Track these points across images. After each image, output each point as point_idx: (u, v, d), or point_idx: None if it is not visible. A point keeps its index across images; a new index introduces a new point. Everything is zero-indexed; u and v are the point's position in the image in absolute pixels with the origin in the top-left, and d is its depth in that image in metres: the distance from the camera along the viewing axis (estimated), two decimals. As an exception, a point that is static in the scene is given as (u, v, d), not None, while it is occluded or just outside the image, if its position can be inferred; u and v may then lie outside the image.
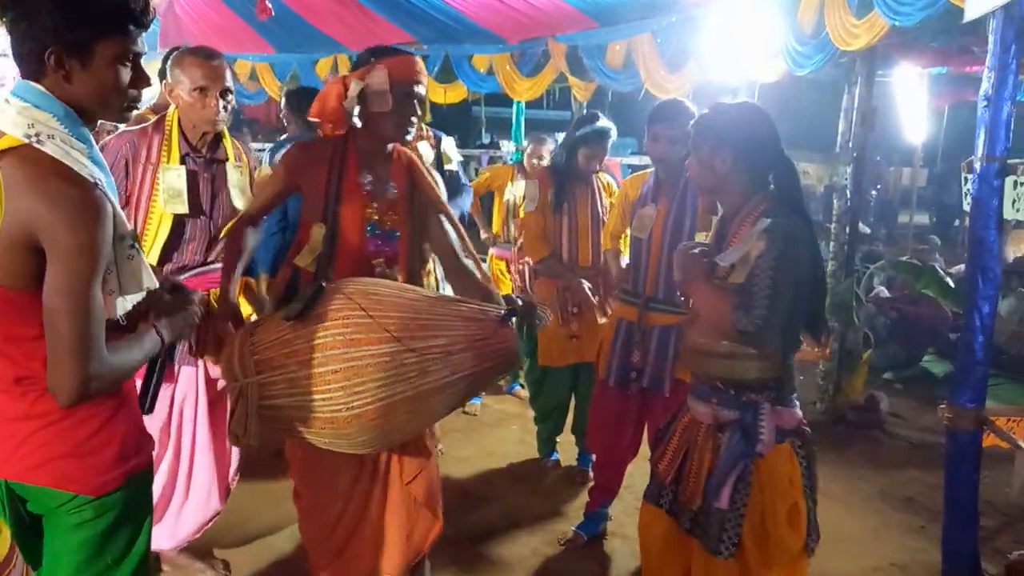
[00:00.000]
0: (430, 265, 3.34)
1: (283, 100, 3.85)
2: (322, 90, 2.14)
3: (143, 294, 1.44)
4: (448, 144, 3.77)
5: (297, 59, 6.73)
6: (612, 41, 5.14)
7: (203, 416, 2.52)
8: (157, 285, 1.50)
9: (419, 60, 2.15)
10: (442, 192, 2.38)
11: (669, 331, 2.82)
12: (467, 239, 2.27)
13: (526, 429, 4.15)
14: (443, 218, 2.24)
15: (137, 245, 1.41)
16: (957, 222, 12.38)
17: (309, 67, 6.68)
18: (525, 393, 4.37)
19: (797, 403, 2.00)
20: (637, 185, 3.05)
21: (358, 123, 2.08)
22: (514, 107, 6.93)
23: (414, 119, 2.11)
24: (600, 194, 3.54)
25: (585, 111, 6.57)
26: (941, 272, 4.85)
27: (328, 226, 2.13)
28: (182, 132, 2.46)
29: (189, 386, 2.50)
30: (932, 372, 5.80)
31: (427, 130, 3.62)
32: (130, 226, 1.42)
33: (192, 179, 2.43)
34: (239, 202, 2.51)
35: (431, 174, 2.31)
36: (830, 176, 4.63)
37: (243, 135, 6.22)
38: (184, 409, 2.51)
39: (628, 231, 3.11)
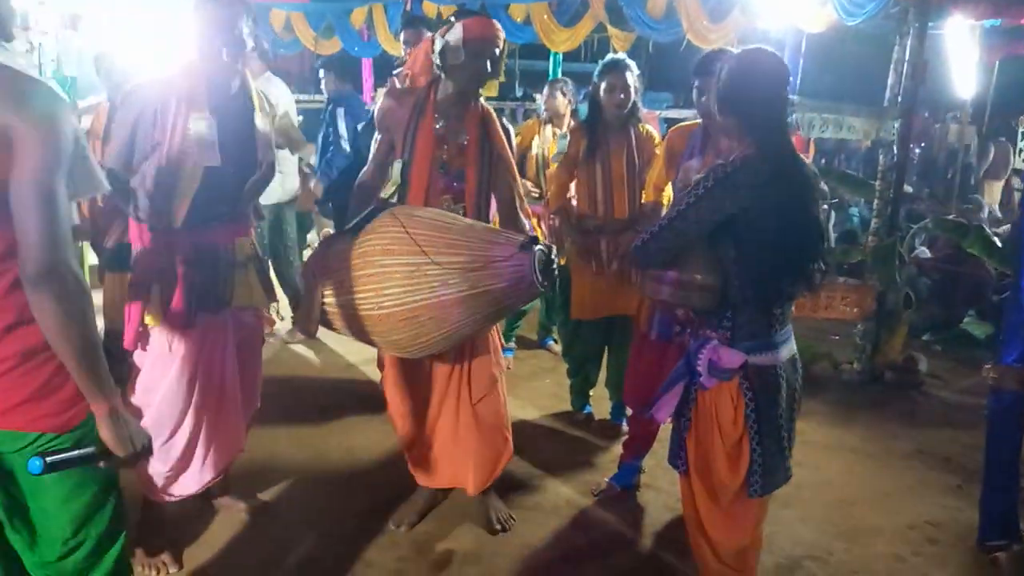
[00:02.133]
0: None
1: (321, 72, 3.99)
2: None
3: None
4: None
5: (331, 8, 6.66)
6: (654, -11, 5.01)
7: (231, 359, 2.50)
8: (110, 189, 1.64)
9: (494, 22, 2.48)
10: (512, 149, 2.67)
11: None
12: (522, 196, 2.64)
13: (559, 383, 4.17)
14: (507, 172, 2.56)
15: (87, 146, 1.48)
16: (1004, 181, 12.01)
17: (344, 17, 6.61)
18: (558, 348, 4.38)
19: (771, 350, 2.00)
20: (684, 136, 2.98)
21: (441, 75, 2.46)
22: (551, 59, 6.81)
23: (484, 72, 2.43)
24: (638, 144, 3.46)
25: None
26: (988, 231, 4.73)
27: (404, 162, 2.49)
28: (208, 81, 2.35)
29: (214, 331, 2.44)
30: (972, 334, 5.70)
31: None
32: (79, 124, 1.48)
33: (220, 129, 2.35)
34: (263, 152, 2.48)
35: (506, 132, 2.63)
36: (877, 131, 4.47)
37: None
38: (212, 353, 2.45)
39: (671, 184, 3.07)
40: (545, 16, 5.83)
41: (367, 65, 7.19)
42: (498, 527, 2.81)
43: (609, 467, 3.33)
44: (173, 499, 2.50)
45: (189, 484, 2.49)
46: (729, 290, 1.96)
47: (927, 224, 5.54)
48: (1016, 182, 12.83)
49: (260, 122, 2.47)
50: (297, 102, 7.11)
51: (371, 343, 2.44)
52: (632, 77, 3.32)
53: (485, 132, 2.55)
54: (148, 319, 2.33)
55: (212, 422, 2.47)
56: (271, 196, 4.49)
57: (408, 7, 6.20)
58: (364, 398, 4.02)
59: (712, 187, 1.89)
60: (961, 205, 9.03)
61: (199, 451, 2.47)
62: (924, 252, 6.34)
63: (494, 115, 2.61)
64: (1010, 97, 11.88)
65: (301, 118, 4.90)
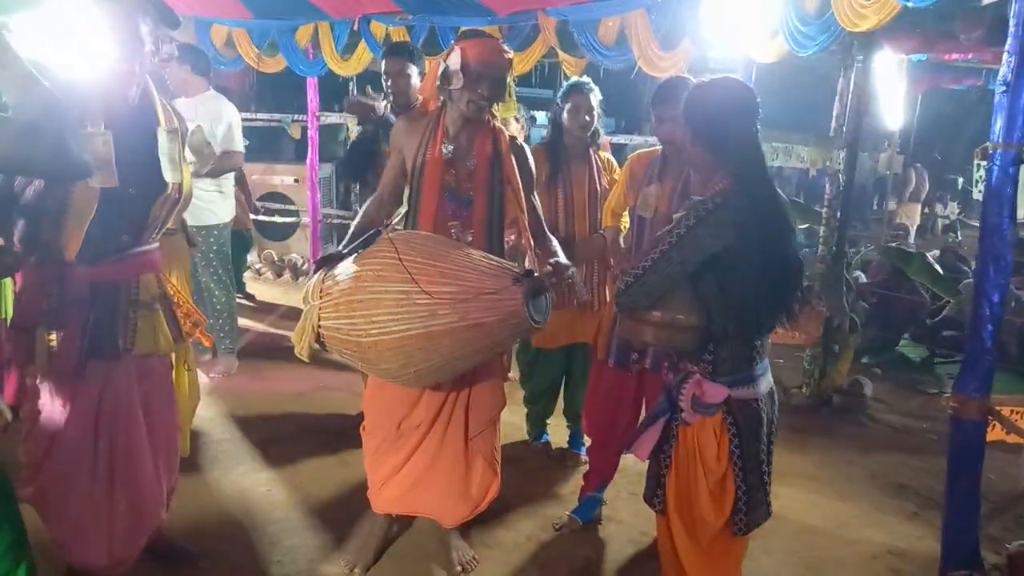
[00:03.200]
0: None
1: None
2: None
3: None
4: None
5: (276, 25, 6.47)
6: (605, 16, 5.00)
7: (135, 416, 2.18)
8: None
9: (496, 44, 2.43)
10: (530, 171, 2.56)
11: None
12: (541, 219, 2.56)
13: (512, 411, 4.07)
14: (521, 196, 2.46)
15: None
16: (927, 209, 12.57)
17: (289, 34, 6.44)
18: (512, 375, 4.29)
19: (751, 382, 1.97)
20: (644, 162, 2.96)
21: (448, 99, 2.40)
22: (499, 82, 6.78)
23: (484, 96, 2.34)
24: (599, 171, 3.44)
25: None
26: (931, 259, 4.86)
27: (412, 187, 2.44)
28: (104, 91, 2.07)
29: (113, 384, 2.14)
30: (908, 357, 5.89)
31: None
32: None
33: (119, 147, 2.04)
34: (169, 173, 2.16)
35: (521, 153, 2.51)
36: (824, 160, 4.57)
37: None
38: (113, 409, 2.13)
39: (629, 209, 3.04)
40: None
41: (311, 84, 7.04)
42: (459, 568, 2.69)
43: (569, 498, 3.25)
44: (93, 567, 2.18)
45: (96, 556, 2.15)
46: (711, 325, 1.92)
47: (871, 250, 5.68)
48: (940, 208, 13.47)
49: (165, 137, 2.17)
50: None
51: (364, 369, 2.36)
52: (596, 100, 3.29)
53: (495, 156, 2.47)
54: (32, 370, 2.04)
55: (117, 491, 2.13)
56: (209, 218, 4.34)
57: (356, 27, 6.09)
58: (311, 428, 3.85)
59: (694, 226, 1.85)
60: (890, 231, 9.38)
61: (102, 523, 2.13)
62: (860, 277, 6.52)
63: (505, 137, 2.52)
64: (932, 127, 12.49)
65: (248, 142, 4.70)
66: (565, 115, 3.29)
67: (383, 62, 3.50)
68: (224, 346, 4.61)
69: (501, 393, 2.59)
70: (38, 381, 2.06)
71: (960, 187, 14.13)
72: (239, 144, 4.40)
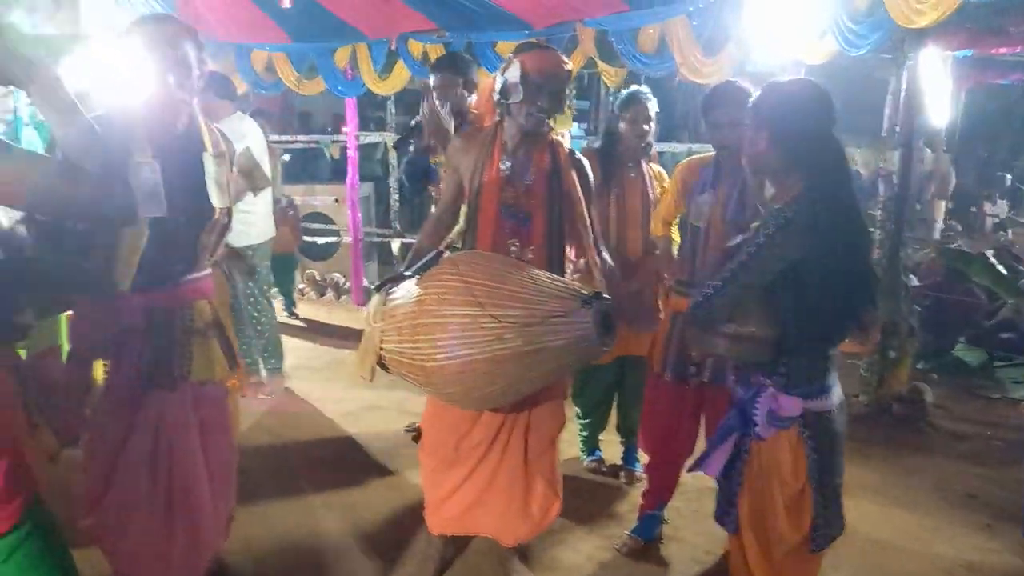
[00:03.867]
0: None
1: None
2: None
3: None
4: None
5: (314, 48, 6.55)
6: (645, 24, 4.96)
7: (194, 444, 2.16)
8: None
9: (555, 56, 2.34)
10: (590, 185, 2.50)
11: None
12: (598, 235, 2.48)
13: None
14: (574, 211, 2.39)
15: None
16: (974, 208, 12.22)
17: (327, 56, 6.51)
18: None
19: (825, 394, 1.91)
20: (695, 169, 2.90)
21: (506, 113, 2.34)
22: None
23: (544, 109, 2.27)
24: (651, 180, 3.39)
25: (611, 99, 6.44)
26: (993, 260, 4.70)
27: (470, 205, 2.38)
28: (151, 120, 2.05)
29: (171, 412, 2.11)
30: (965, 361, 5.68)
31: None
32: None
33: (167, 175, 2.03)
34: (216, 198, 2.15)
35: (580, 166, 2.44)
36: (877, 161, 4.45)
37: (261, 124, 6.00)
38: (171, 438, 2.10)
39: (679, 218, 2.98)
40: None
41: (350, 104, 7.10)
42: (518, 591, 2.63)
43: (628, 517, 3.18)
44: None
45: None
46: (785, 335, 1.85)
47: (924, 251, 5.51)
48: (988, 207, 13.08)
49: (212, 163, 2.15)
50: (278, 143, 7.05)
51: (427, 392, 2.33)
52: (653, 109, 3.26)
53: (554, 170, 2.41)
54: (90, 401, 2.04)
55: (176, 519, 2.11)
56: (242, 239, 4.29)
57: (393, 46, 6.13)
58: (361, 449, 3.83)
59: (773, 235, 1.80)
60: (944, 231, 9.11)
61: (162, 552, 2.10)
62: (912, 280, 6.34)
63: (565, 151, 2.45)
64: (976, 124, 12.17)
65: (287, 157, 4.75)
66: (623, 124, 3.25)
67: (432, 77, 3.43)
68: (270, 366, 4.64)
69: (562, 413, 2.53)
70: (96, 412, 2.05)
71: (1009, 184, 13.72)
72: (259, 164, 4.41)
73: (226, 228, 2.24)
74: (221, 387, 2.29)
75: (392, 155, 7.41)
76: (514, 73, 2.28)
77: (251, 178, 3.70)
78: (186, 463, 2.11)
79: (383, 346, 2.21)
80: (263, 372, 4.60)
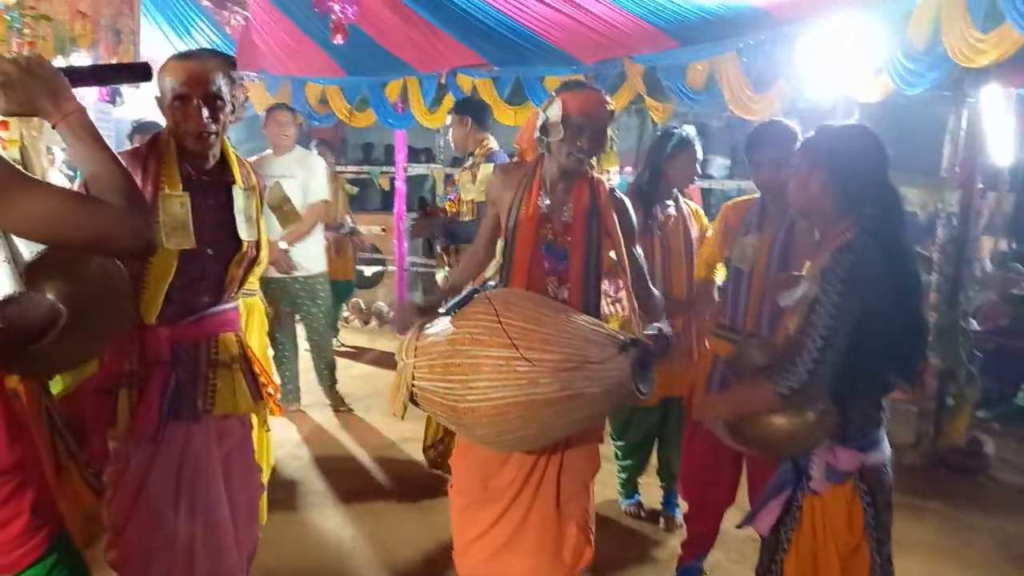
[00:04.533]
0: None
1: None
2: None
3: None
4: None
5: (367, 82, 6.69)
6: (693, 61, 4.93)
7: (215, 479, 2.12)
8: None
9: (598, 96, 2.31)
10: (632, 223, 2.43)
11: (776, 370, 2.59)
12: (644, 272, 2.43)
13: (602, 467, 3.92)
14: (622, 251, 2.36)
15: None
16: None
17: (379, 90, 6.64)
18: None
19: (879, 446, 1.85)
20: (740, 211, 2.83)
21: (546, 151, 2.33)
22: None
23: (585, 149, 2.23)
24: (689, 217, 3.33)
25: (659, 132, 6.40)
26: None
27: (507, 241, 2.36)
28: (182, 152, 2.04)
29: (192, 445, 2.09)
30: (1030, 409, 5.41)
31: None
32: None
33: (197, 208, 2.02)
34: (245, 231, 2.13)
35: (621, 205, 2.40)
36: (934, 202, 4.31)
37: (323, 152, 6.20)
38: (194, 472, 2.08)
39: (724, 261, 2.91)
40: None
41: (400, 136, 7.21)
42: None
43: (666, 564, 3.08)
44: None
45: None
46: (840, 387, 1.77)
47: (984, 292, 5.30)
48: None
49: (241, 196, 2.12)
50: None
51: (459, 432, 2.31)
52: (700, 153, 3.25)
53: (593, 209, 2.35)
54: (113, 432, 2.02)
55: (198, 554, 2.06)
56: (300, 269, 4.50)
57: (443, 80, 6.21)
58: (398, 481, 3.81)
59: (843, 291, 1.71)
60: (1005, 274, 8.76)
61: None
62: (972, 324, 6.09)
63: (605, 188, 2.41)
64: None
65: (356, 188, 4.91)
66: (672, 166, 3.21)
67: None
68: (326, 384, 4.89)
69: (596, 457, 2.46)
70: (119, 444, 2.04)
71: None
72: (325, 194, 4.60)
73: (254, 261, 2.23)
74: (246, 421, 2.27)
75: (440, 187, 7.50)
76: (555, 112, 2.24)
77: (280, 212, 3.77)
78: (208, 497, 2.09)
79: (415, 382, 2.18)
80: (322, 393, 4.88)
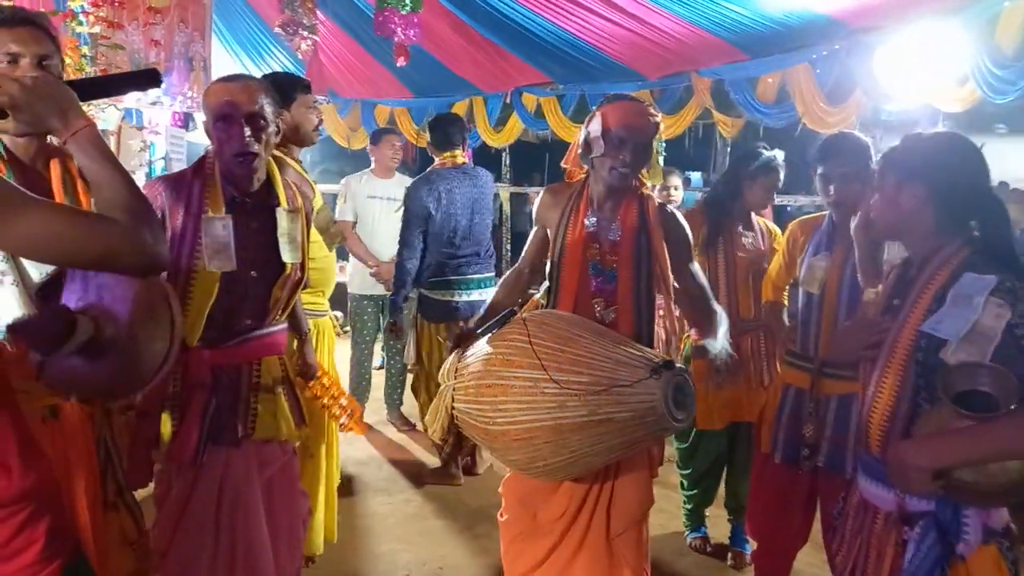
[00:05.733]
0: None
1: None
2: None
3: None
4: None
5: (434, 103, 6.76)
6: (763, 74, 4.77)
7: (255, 505, 2.08)
8: None
9: (640, 107, 2.22)
10: (686, 239, 2.34)
11: (850, 401, 2.41)
12: (704, 287, 2.33)
13: (666, 497, 3.76)
14: (667, 271, 2.25)
15: None
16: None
17: (445, 110, 6.68)
18: (667, 455, 3.98)
19: None
20: (808, 230, 2.67)
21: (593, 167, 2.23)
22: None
23: (628, 163, 2.14)
24: (763, 235, 3.17)
25: (729, 149, 6.21)
26: None
27: (554, 262, 2.29)
28: (226, 175, 2.04)
29: (233, 470, 2.05)
30: None
31: None
32: None
33: (240, 230, 2.02)
34: (288, 254, 2.10)
35: (672, 221, 2.30)
36: (1030, 218, 4.01)
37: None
38: (234, 498, 2.04)
39: (792, 283, 2.75)
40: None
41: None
42: None
43: (733, 606, 2.90)
44: None
45: None
46: None
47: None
48: None
49: (285, 218, 2.09)
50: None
51: (495, 457, 2.27)
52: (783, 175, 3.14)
53: (642, 227, 2.25)
54: (158, 455, 2.00)
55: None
56: (371, 288, 4.63)
57: (508, 99, 6.21)
58: (454, 505, 3.74)
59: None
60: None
61: None
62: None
63: (654, 204, 2.30)
64: None
65: None
66: (752, 188, 3.09)
67: None
68: (396, 403, 4.95)
69: (648, 491, 2.30)
70: (163, 466, 2.04)
71: None
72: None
73: (299, 283, 2.20)
74: (288, 446, 2.23)
75: (507, 206, 7.47)
76: (596, 127, 2.16)
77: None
78: (249, 522, 2.05)
79: (455, 405, 2.12)
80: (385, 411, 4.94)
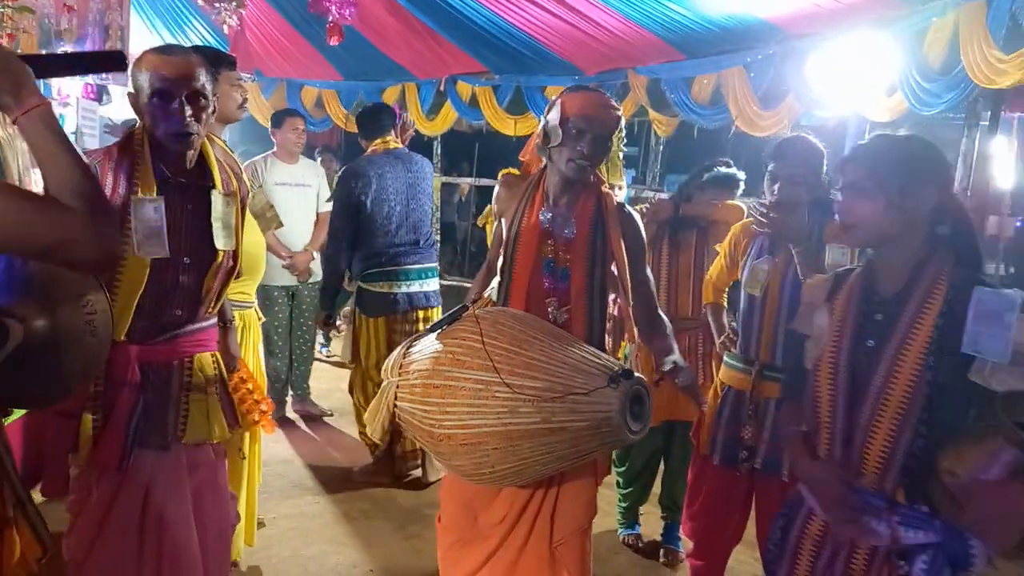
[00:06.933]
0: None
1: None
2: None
3: None
4: None
5: (364, 87, 6.58)
6: (699, 74, 4.83)
7: (185, 512, 1.95)
8: None
9: (602, 98, 2.11)
10: (641, 242, 2.23)
11: (789, 403, 2.44)
12: (653, 296, 2.23)
13: (600, 495, 3.75)
14: (625, 272, 2.15)
15: None
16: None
17: (376, 95, 6.52)
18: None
19: None
20: (751, 233, 2.68)
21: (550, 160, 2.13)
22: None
23: (586, 155, 2.04)
24: (708, 239, 3.20)
25: (662, 148, 6.29)
26: None
27: (506, 258, 2.18)
28: (158, 153, 1.87)
29: (161, 475, 1.92)
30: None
31: None
32: None
33: (172, 213, 1.86)
34: (221, 240, 1.94)
35: (630, 221, 2.19)
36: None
37: (327, 160, 6.23)
38: (162, 504, 1.91)
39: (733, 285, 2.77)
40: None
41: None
42: None
43: (666, 603, 2.91)
44: None
45: None
46: None
47: None
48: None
49: (220, 201, 1.95)
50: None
51: (438, 461, 2.15)
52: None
53: (598, 223, 2.14)
54: (75, 459, 1.85)
55: None
56: (282, 278, 4.43)
57: (442, 87, 6.09)
58: (385, 504, 3.64)
59: None
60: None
61: None
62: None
63: (612, 202, 2.20)
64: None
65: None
66: (700, 199, 3.16)
67: None
68: (304, 393, 4.84)
69: (593, 498, 2.23)
70: (82, 471, 1.87)
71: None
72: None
73: (231, 272, 2.05)
74: (219, 447, 2.09)
75: (437, 196, 7.36)
76: (554, 115, 2.06)
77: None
78: (177, 528, 1.91)
79: (397, 403, 2.01)
80: (289, 398, 4.81)
